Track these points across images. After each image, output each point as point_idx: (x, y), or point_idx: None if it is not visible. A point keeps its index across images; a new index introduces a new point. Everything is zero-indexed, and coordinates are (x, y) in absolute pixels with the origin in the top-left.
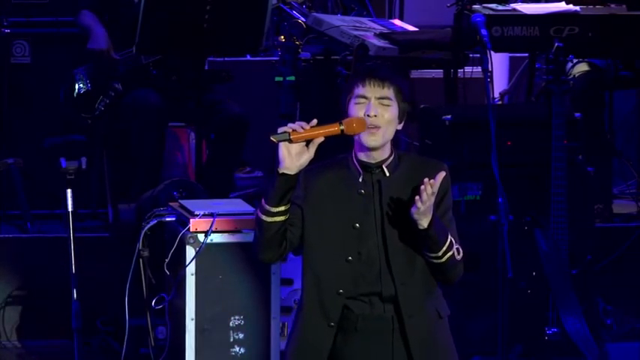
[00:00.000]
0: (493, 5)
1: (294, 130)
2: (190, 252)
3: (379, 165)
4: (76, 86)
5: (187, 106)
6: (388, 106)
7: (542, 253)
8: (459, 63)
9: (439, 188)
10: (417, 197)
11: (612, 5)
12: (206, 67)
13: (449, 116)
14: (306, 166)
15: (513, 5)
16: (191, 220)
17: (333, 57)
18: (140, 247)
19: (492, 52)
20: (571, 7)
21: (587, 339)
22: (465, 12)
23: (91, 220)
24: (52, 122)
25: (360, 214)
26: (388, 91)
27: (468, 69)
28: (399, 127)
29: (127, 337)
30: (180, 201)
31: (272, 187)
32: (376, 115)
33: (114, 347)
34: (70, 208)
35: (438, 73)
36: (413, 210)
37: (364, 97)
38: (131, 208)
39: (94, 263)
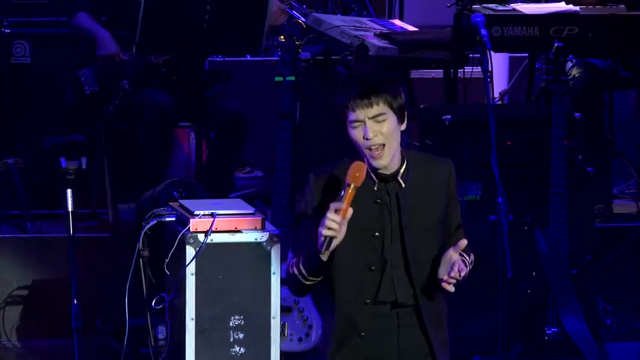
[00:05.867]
0: (493, 5)
1: (330, 229)
2: (190, 252)
3: (394, 175)
4: (84, 88)
5: (187, 106)
6: (384, 120)
7: (542, 253)
8: (459, 63)
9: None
10: (446, 277)
11: (612, 5)
12: (206, 67)
13: (449, 116)
14: (315, 171)
15: (513, 5)
16: (191, 220)
17: (333, 57)
18: (140, 247)
19: (492, 52)
20: (571, 7)
21: (587, 339)
22: (465, 12)
23: (91, 220)
24: (52, 122)
25: (378, 223)
26: (378, 107)
27: (468, 69)
28: (403, 127)
29: (127, 337)
30: (180, 201)
31: (316, 264)
32: (375, 135)
33: (114, 347)
34: (70, 208)
35: (438, 73)
36: (442, 281)
37: (358, 120)
38: (131, 208)
39: (94, 263)
